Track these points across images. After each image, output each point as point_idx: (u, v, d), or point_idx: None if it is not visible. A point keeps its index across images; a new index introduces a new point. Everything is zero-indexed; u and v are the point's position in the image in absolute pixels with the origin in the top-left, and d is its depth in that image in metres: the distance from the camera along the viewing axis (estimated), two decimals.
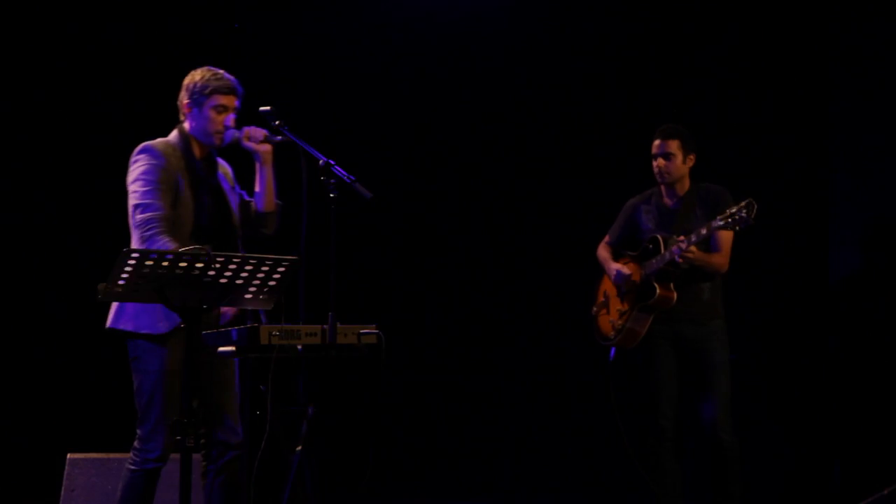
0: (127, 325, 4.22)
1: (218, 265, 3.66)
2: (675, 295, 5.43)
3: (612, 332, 5.61)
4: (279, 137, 4.35)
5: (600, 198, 7.04)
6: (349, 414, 6.03)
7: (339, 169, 4.14)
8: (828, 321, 6.60)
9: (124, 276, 3.58)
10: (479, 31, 7.22)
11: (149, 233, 4.17)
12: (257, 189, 4.50)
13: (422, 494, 6.97)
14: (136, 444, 4.25)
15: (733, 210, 5.16)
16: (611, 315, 5.66)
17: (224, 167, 4.57)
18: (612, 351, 5.64)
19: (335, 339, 4.00)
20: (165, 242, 4.14)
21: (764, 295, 6.69)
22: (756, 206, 5.11)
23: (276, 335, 3.92)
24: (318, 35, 7.06)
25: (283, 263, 3.78)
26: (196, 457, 3.91)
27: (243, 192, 4.57)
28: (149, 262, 3.56)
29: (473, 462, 7.17)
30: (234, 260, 3.70)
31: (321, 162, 4.15)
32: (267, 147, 4.41)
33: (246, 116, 4.57)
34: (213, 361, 4.22)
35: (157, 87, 6.59)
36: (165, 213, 4.21)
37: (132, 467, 4.23)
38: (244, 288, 3.80)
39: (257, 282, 3.79)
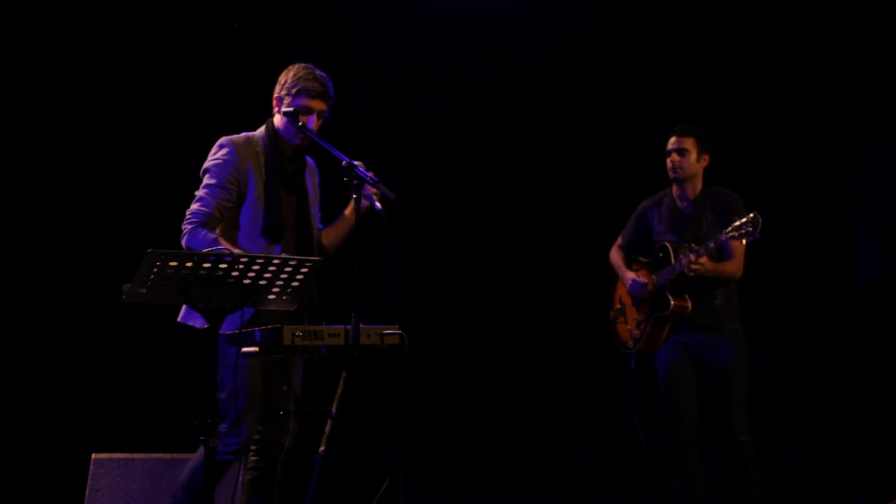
0: (197, 322, 4.14)
1: (241, 266, 3.67)
2: (690, 304, 5.40)
3: (631, 342, 5.62)
4: (379, 207, 4.10)
5: (617, 200, 7.04)
6: (372, 415, 6.03)
7: (362, 170, 4.12)
8: (853, 323, 6.54)
9: (149, 276, 3.59)
10: (496, 32, 7.19)
11: (189, 225, 4.19)
12: (333, 225, 4.47)
13: (442, 495, 6.96)
14: (217, 438, 4.13)
15: (739, 223, 5.11)
16: (628, 323, 5.66)
17: (312, 168, 4.52)
18: (633, 360, 5.64)
19: (358, 339, 3.99)
20: (206, 234, 4.13)
21: (789, 296, 6.65)
22: (761, 221, 5.04)
23: (299, 336, 3.91)
24: (332, 34, 7.04)
25: (307, 264, 3.78)
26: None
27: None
28: (173, 263, 3.57)
29: (493, 464, 7.15)
30: (258, 261, 3.71)
31: (344, 163, 4.12)
32: (365, 204, 4.17)
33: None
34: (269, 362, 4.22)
35: (159, 87, 6.66)
36: (213, 213, 4.20)
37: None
38: (267, 289, 3.81)
39: (280, 282, 3.81)
